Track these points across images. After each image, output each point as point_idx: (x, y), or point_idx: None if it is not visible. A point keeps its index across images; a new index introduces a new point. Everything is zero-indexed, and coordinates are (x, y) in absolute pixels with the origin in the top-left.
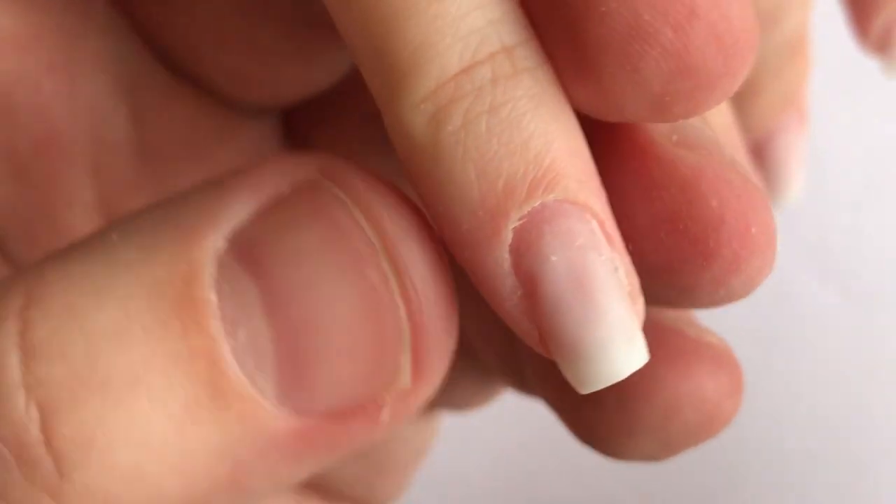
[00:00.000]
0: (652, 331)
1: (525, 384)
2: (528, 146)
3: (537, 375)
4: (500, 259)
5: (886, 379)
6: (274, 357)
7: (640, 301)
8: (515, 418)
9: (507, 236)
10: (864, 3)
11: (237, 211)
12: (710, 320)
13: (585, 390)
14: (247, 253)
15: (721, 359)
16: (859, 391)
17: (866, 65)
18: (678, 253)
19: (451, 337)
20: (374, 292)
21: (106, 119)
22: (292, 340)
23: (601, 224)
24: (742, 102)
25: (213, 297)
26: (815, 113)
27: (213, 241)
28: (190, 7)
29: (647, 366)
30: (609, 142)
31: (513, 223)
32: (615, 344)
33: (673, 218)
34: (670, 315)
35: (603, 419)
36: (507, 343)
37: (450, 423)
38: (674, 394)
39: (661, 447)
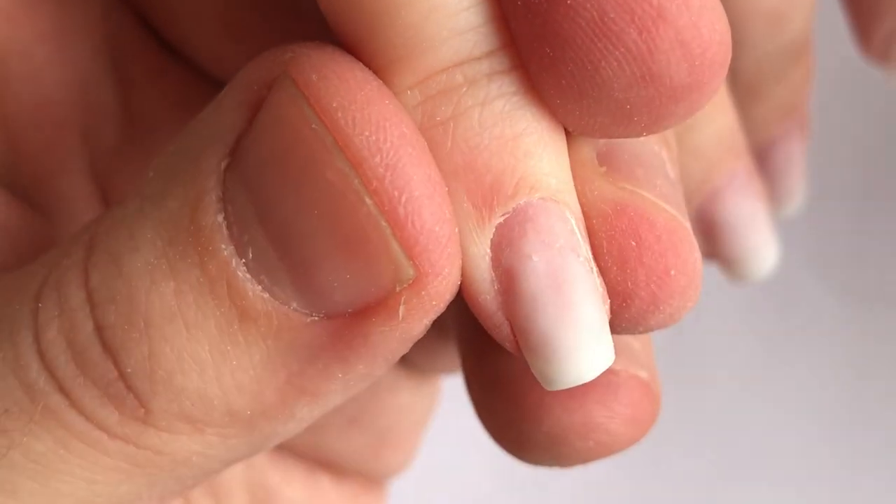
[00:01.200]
0: None
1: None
2: (519, 143)
3: (465, 370)
4: (481, 253)
5: (886, 379)
6: (282, 266)
7: (608, 302)
8: None
9: (490, 231)
10: (867, 12)
11: (231, 124)
12: (711, 320)
13: (552, 388)
14: (243, 164)
15: (619, 386)
16: (859, 391)
17: (866, 65)
18: None
19: (440, 221)
20: (337, 192)
21: (96, 86)
22: (287, 248)
23: (578, 222)
24: (744, 108)
25: (220, 219)
26: (815, 113)
27: (214, 162)
28: None
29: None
30: None
31: (497, 219)
32: (587, 346)
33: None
34: None
35: (499, 430)
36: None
37: (450, 421)
38: (558, 423)
39: (556, 462)
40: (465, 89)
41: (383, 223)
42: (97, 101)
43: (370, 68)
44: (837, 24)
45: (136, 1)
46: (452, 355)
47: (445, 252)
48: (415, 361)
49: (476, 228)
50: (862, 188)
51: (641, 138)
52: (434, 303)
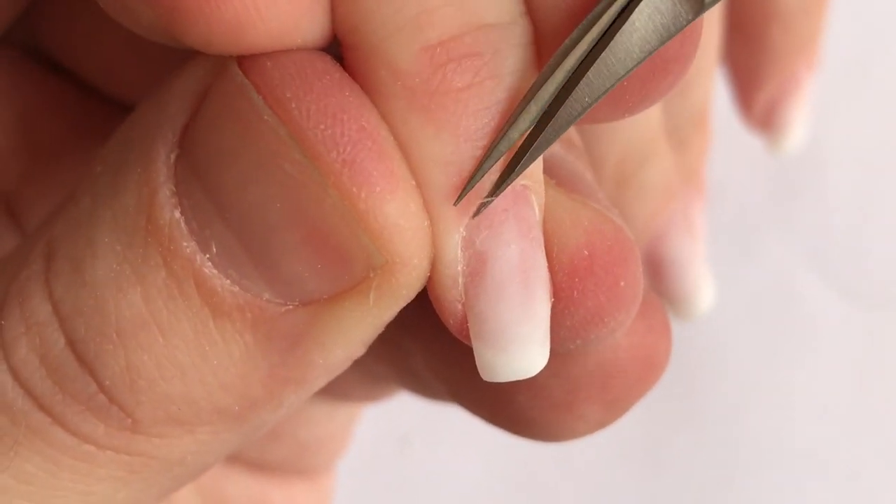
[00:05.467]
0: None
1: (423, 389)
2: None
3: (441, 377)
4: (456, 229)
5: (888, 379)
6: (249, 259)
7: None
8: None
9: (472, 210)
10: (748, 77)
11: (175, 113)
12: (711, 321)
13: (494, 379)
14: (194, 157)
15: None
16: (860, 391)
17: (867, 66)
18: None
19: (403, 215)
20: (298, 184)
21: None
22: (252, 241)
23: (541, 217)
24: (632, 177)
25: (177, 215)
26: (815, 114)
27: (163, 154)
28: (70, 13)
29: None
30: None
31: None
32: (539, 342)
33: None
34: None
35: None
36: (399, 354)
37: (450, 423)
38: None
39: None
40: (487, 58)
41: (351, 213)
42: None
43: (388, 23)
44: (837, 21)
45: (20, 28)
46: (366, 388)
47: (411, 245)
48: (328, 391)
49: (461, 207)
50: (862, 187)
51: (569, 159)
52: (404, 291)
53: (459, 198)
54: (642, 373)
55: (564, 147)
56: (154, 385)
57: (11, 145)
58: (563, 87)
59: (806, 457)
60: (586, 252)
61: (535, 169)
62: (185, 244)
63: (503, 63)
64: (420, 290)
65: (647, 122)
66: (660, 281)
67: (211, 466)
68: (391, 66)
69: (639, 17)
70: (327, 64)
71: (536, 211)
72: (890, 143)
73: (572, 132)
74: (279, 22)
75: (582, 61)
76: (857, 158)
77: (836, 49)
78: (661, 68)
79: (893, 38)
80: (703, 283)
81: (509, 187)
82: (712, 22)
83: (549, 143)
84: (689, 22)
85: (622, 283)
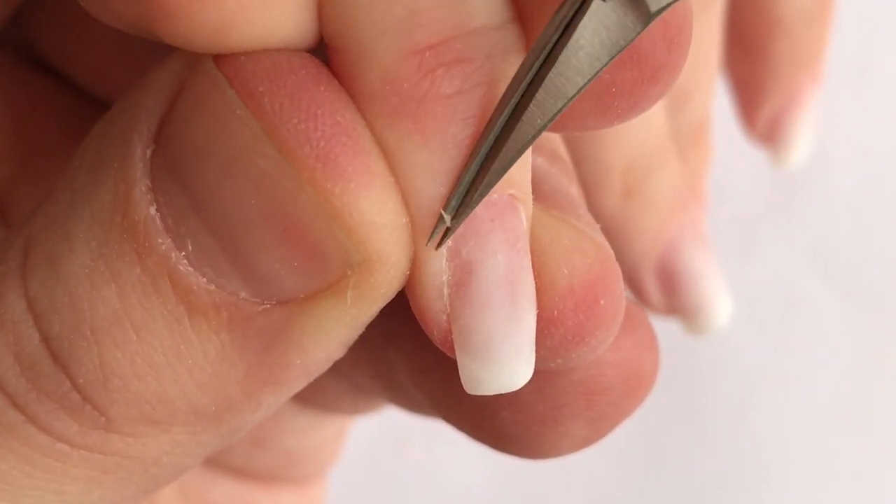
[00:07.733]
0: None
1: (408, 402)
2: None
3: (424, 391)
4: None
5: (888, 379)
6: (225, 257)
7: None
8: None
9: (460, 220)
10: (751, 90)
11: (152, 108)
12: None
13: (477, 392)
14: (169, 152)
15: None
16: (861, 392)
17: (867, 66)
18: None
19: (380, 212)
20: (272, 180)
21: None
22: (228, 239)
23: (528, 226)
24: (640, 186)
25: (152, 211)
26: (816, 113)
27: (139, 150)
28: (60, 14)
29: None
30: None
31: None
32: (524, 353)
33: None
34: None
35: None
36: (384, 367)
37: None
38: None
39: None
40: (479, 63)
41: (326, 210)
42: None
43: (375, 26)
44: (840, 25)
45: (11, 29)
46: (352, 401)
47: (389, 242)
48: (315, 402)
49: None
50: (863, 186)
51: (553, 173)
52: (382, 290)
53: (436, 228)
54: (628, 389)
55: (548, 160)
56: (128, 383)
57: (1, 146)
58: (514, 109)
59: (806, 457)
60: (566, 271)
61: (524, 178)
62: (160, 241)
63: (494, 69)
64: (399, 289)
65: (652, 130)
66: (673, 294)
67: (190, 468)
68: (378, 70)
69: (583, 33)
70: (304, 60)
71: (524, 221)
72: (890, 144)
73: (558, 143)
74: (263, 24)
75: (531, 82)
76: (858, 159)
77: (836, 50)
78: (649, 76)
79: (893, 39)
80: (719, 295)
81: (496, 196)
82: (712, 33)
83: (505, 168)
84: (638, 33)
85: (602, 302)
